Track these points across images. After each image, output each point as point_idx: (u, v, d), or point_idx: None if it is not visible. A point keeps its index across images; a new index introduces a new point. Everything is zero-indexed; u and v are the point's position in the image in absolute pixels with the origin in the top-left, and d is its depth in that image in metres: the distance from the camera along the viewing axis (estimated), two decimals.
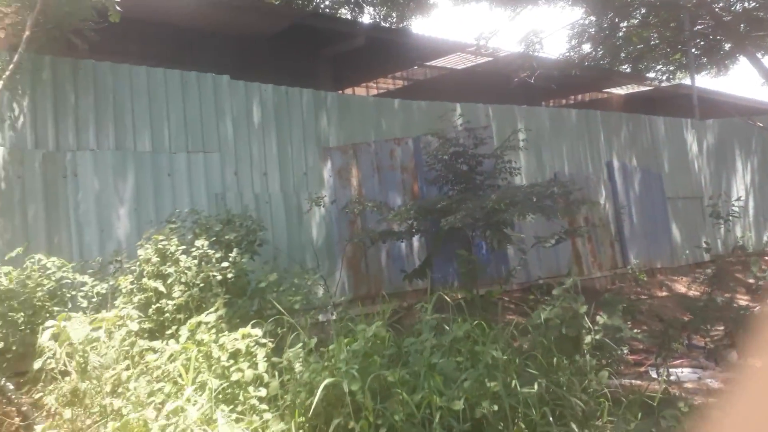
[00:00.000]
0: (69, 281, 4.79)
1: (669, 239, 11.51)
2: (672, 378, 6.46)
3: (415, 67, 14.87)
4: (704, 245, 10.20)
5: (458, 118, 8.80)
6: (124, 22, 5.78)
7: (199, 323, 3.43)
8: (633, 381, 5.76)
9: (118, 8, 5.45)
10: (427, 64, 14.48)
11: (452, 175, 6.98)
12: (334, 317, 5.27)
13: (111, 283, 4.74)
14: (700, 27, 14.90)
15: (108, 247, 5.65)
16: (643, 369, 6.73)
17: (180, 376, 3.04)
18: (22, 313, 4.34)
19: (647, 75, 18.11)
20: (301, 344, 3.44)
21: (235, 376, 2.99)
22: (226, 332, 3.53)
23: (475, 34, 12.72)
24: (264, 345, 3.44)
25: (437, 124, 8.57)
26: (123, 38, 10.17)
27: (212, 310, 3.81)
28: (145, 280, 4.41)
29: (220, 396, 2.99)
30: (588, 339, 3.87)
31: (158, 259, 4.49)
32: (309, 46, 11.77)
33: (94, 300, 4.72)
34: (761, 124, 11.66)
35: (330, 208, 7.30)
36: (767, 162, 12.99)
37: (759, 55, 15.82)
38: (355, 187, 7.67)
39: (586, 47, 15.42)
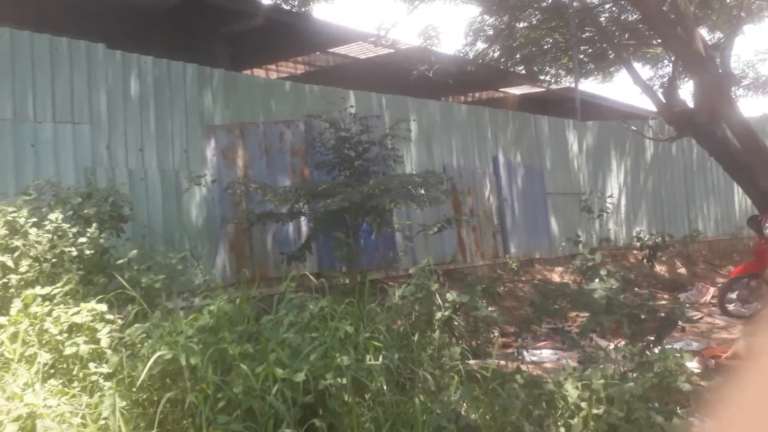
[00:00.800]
0: None
1: (548, 232, 12.25)
2: (534, 358, 6.93)
3: (318, 54, 14.81)
4: (576, 238, 10.98)
5: (351, 106, 8.89)
6: None
7: (35, 297, 3.26)
8: (497, 360, 6.14)
9: None
10: (330, 51, 14.46)
11: (338, 160, 7.04)
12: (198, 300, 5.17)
13: None
14: (587, 34, 15.93)
15: None
16: (509, 350, 7.15)
17: (6, 351, 2.89)
18: None
19: (539, 77, 19.11)
20: (149, 322, 3.36)
21: (68, 351, 2.88)
22: (71, 307, 3.38)
23: (377, 24, 12.82)
24: (111, 321, 3.33)
25: (329, 110, 8.63)
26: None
27: (59, 285, 3.63)
28: None
29: (53, 372, 2.87)
30: (438, 315, 4.07)
31: (6, 232, 4.20)
32: (206, 23, 11.41)
33: None
34: (635, 128, 12.65)
35: (212, 188, 7.14)
36: (639, 163, 14.12)
37: (638, 65, 17.15)
38: (241, 168, 7.55)
39: (483, 45, 16.04)
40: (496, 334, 6.70)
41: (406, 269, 9.49)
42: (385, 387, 3.26)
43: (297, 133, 7.99)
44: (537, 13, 16.33)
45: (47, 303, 3.34)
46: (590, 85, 42.85)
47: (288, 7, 13.71)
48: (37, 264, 4.16)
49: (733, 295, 8.68)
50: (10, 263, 4.12)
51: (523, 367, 5.24)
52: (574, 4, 13.94)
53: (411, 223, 8.79)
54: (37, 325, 3.01)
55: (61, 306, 3.30)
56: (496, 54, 18.53)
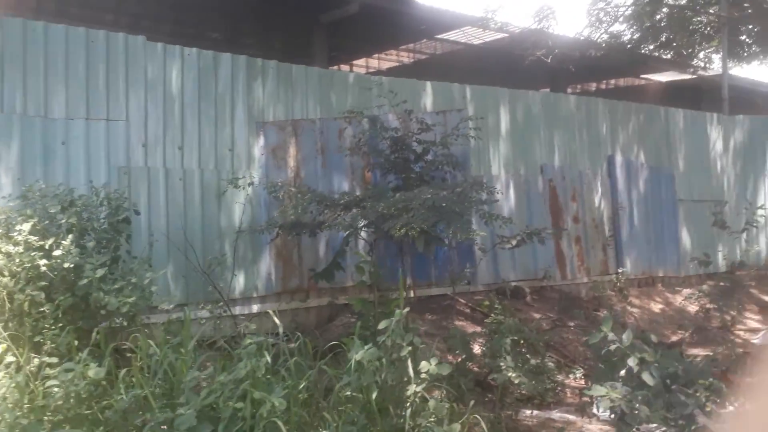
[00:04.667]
0: None
1: (676, 246, 10.30)
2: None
3: (425, 42, 13.85)
4: (704, 257, 9.04)
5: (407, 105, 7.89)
6: None
7: None
8: None
9: None
10: (437, 38, 13.43)
11: (389, 164, 6.14)
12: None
13: None
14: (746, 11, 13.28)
15: None
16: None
17: None
18: None
19: (688, 62, 16.44)
20: None
21: None
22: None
23: (482, 6, 11.57)
24: None
25: (397, 103, 7.72)
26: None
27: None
28: None
29: None
30: (410, 390, 3.02)
31: None
32: (303, 11, 10.95)
33: None
34: None
35: (259, 190, 6.58)
36: None
37: None
38: (293, 169, 6.91)
39: (613, 26, 14.03)
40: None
41: (486, 284, 8.37)
42: None
43: (360, 130, 7.17)
44: None
45: None
46: (754, 70, 36.94)
47: None
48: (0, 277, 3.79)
49: None
50: None
51: None
52: None
53: (484, 234, 7.63)
54: None
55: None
56: (634, 36, 16.26)
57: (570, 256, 9.14)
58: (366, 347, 3.01)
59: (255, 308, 6.61)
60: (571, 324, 7.96)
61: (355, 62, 14.85)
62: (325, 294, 6.99)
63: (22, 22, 5.56)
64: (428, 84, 8.01)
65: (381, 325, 3.24)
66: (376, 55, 14.67)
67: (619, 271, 9.13)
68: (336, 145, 7.15)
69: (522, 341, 4.08)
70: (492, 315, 7.10)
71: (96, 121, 5.82)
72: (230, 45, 12.19)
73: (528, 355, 4.48)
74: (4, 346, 3.01)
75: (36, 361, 3.18)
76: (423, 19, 11.19)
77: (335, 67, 13.83)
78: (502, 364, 3.93)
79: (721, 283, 9.54)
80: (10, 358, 3.06)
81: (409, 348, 3.13)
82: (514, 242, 7.32)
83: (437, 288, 7.92)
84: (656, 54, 16.79)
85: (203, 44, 12.43)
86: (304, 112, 7.00)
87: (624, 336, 3.54)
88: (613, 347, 3.50)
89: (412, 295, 7.63)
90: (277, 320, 4.02)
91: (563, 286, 9.00)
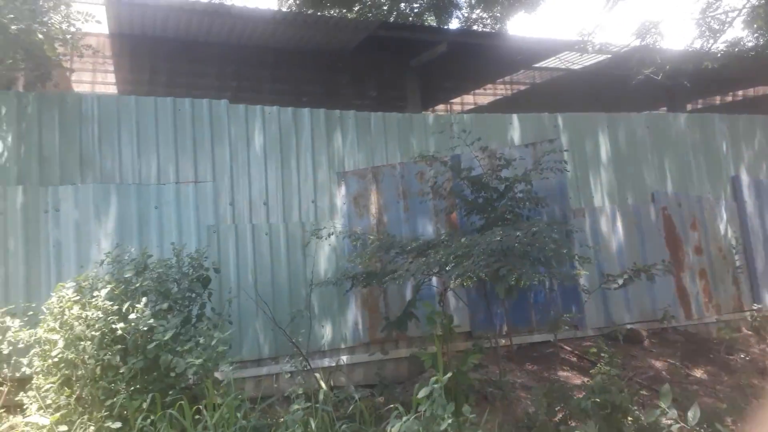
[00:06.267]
0: None
1: None
2: None
3: (521, 73, 13.42)
4: None
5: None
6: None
7: None
8: None
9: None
10: (534, 67, 12.98)
11: (468, 204, 5.84)
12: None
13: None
14: None
15: None
16: None
17: None
18: None
19: None
20: None
21: None
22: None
23: (578, 30, 10.99)
24: None
25: (486, 140, 7.42)
26: (201, 62, 10.41)
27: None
28: (42, 332, 4.10)
29: None
30: None
31: (60, 308, 4.15)
32: (395, 56, 11.10)
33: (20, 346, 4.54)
34: None
35: (343, 240, 6.55)
36: None
37: None
38: (374, 215, 6.83)
39: (732, 32, 12.68)
40: None
41: (597, 328, 7.64)
42: None
43: (442, 172, 6.97)
44: None
45: None
46: None
47: (478, 28, 12.71)
48: (79, 342, 3.99)
49: None
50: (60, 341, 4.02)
51: None
52: None
53: (587, 273, 7.01)
54: None
55: None
56: (760, 41, 14.62)
57: (694, 293, 8.14)
58: (404, 419, 2.72)
59: (344, 359, 6.51)
60: (698, 372, 7.01)
61: (452, 101, 14.74)
62: (416, 344, 6.72)
63: (115, 98, 6.06)
64: (514, 117, 7.66)
65: (420, 393, 2.92)
66: (474, 92, 14.46)
67: (755, 307, 7.95)
68: (418, 188, 6.98)
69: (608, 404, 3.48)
70: (599, 364, 6.45)
71: (185, 184, 6.14)
72: (329, 97, 12.63)
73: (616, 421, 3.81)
74: (56, 416, 3.11)
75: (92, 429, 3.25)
76: (517, 50, 10.84)
77: (431, 109, 13.82)
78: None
79: None
80: (62, 428, 3.15)
81: (449, 421, 2.78)
82: (620, 281, 6.66)
83: (539, 335, 7.36)
84: None
85: (302, 100, 13.08)
86: (384, 159, 6.93)
87: (690, 414, 2.87)
88: (675, 428, 2.82)
89: (509, 342, 7.17)
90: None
91: (689, 327, 8.02)
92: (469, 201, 5.84)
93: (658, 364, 7.04)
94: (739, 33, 13.62)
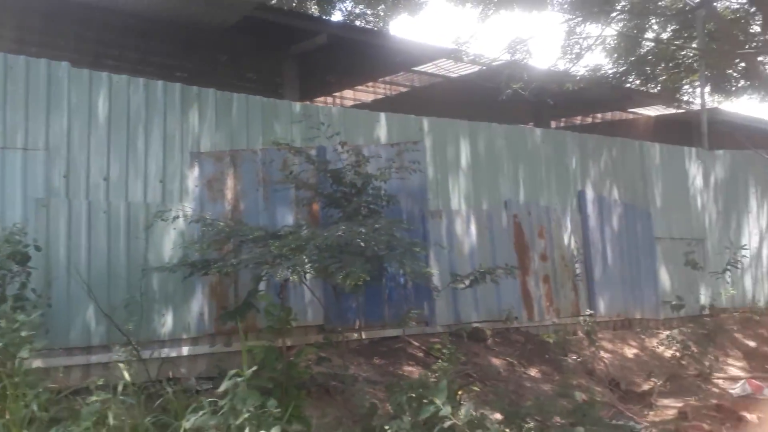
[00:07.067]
0: None
1: (654, 287, 9.81)
2: None
3: (401, 75, 13.64)
4: (678, 300, 8.59)
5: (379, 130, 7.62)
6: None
7: None
8: None
9: None
10: (413, 70, 13.23)
11: (327, 198, 5.78)
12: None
13: None
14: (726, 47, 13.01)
15: None
16: None
17: None
18: None
19: (676, 96, 16.14)
20: None
21: None
22: None
23: (454, 38, 11.36)
24: None
25: (354, 136, 7.42)
26: (58, 20, 9.50)
27: None
28: None
29: None
30: None
31: None
32: (275, 42, 10.77)
33: None
34: None
35: (188, 225, 6.20)
36: None
37: None
38: (230, 202, 6.56)
39: (594, 59, 13.80)
40: None
41: (446, 325, 7.90)
42: None
43: (299, 162, 6.83)
44: (664, 21, 13.79)
45: None
46: (752, 106, 36.63)
47: (361, 24, 12.76)
48: None
49: None
50: None
51: None
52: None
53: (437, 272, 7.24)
54: None
55: None
56: (619, 69, 16.04)
57: (538, 296, 8.68)
58: (200, 413, 2.58)
59: (185, 351, 6.19)
60: (533, 371, 7.47)
61: (336, 94, 14.67)
62: (266, 336, 6.54)
63: None
64: (382, 115, 7.72)
65: (221, 387, 2.81)
66: (356, 88, 14.47)
67: (588, 312, 8.63)
68: (280, 176, 6.80)
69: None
70: (440, 360, 6.66)
71: (12, 150, 5.51)
72: (206, 76, 12.07)
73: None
74: None
75: None
76: (397, 51, 10.97)
77: (312, 100, 13.64)
78: (387, 427, 3.46)
79: (698, 329, 9.07)
80: None
81: (246, 415, 2.68)
82: (467, 281, 6.93)
83: (392, 330, 7.47)
84: (642, 88, 16.53)
85: (176, 75, 12.35)
86: (245, 143, 6.69)
87: (462, 411, 2.97)
88: (446, 425, 2.90)
89: (360, 336, 7.22)
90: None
91: (530, 328, 8.53)
92: (326, 194, 5.78)
93: (497, 361, 7.40)
94: (601, 60, 14.82)
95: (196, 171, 6.39)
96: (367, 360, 6.87)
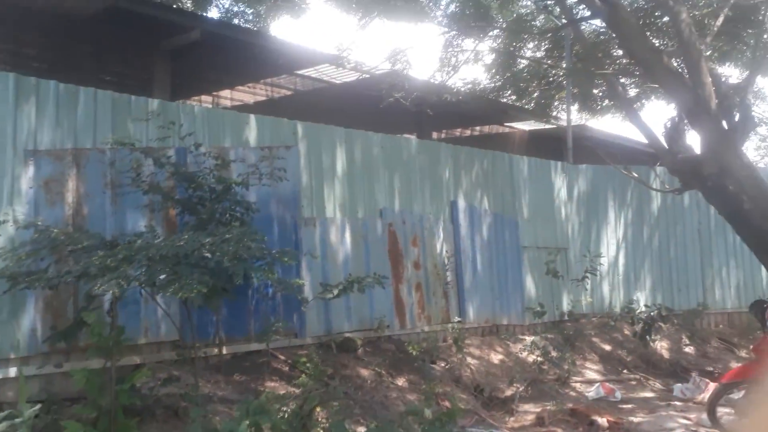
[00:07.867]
0: None
1: (521, 293, 10.21)
2: None
3: (283, 78, 13.30)
4: (539, 307, 8.98)
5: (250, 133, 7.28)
6: None
7: None
8: None
9: None
10: (296, 74, 12.94)
11: (181, 203, 5.37)
12: None
13: None
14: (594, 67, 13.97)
15: None
16: None
17: None
18: None
19: (547, 112, 17.11)
20: None
21: None
22: None
23: (336, 44, 11.21)
24: None
25: (220, 138, 7.02)
26: None
27: None
28: None
29: None
30: None
31: None
32: (143, 35, 10.03)
33: None
34: (636, 175, 10.53)
35: (16, 231, 5.51)
36: (643, 215, 11.97)
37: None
38: (71, 206, 5.93)
39: (471, 74, 14.28)
40: None
41: (317, 336, 7.68)
42: None
43: (146, 164, 6.30)
44: (537, 40, 14.56)
45: None
46: (615, 124, 40.09)
47: (240, 22, 12.31)
48: None
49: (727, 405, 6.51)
50: None
51: None
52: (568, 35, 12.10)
53: (305, 283, 7.03)
54: None
55: None
56: (496, 84, 16.75)
57: (410, 304, 8.71)
58: None
59: (12, 372, 5.48)
60: (401, 380, 7.44)
61: (215, 93, 14.03)
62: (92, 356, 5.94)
63: None
64: (252, 117, 7.39)
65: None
66: (236, 88, 13.92)
67: (456, 320, 8.78)
68: (131, 179, 6.25)
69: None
70: (304, 375, 6.44)
71: None
72: (67, 68, 11.06)
73: None
74: None
75: None
76: (277, 53, 10.64)
77: (184, 100, 12.95)
78: None
79: (558, 334, 9.53)
80: None
81: None
82: (335, 291, 6.77)
83: (257, 343, 7.11)
84: (517, 103, 17.35)
85: (33, 66, 11.21)
86: (92, 142, 6.09)
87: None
88: None
89: (224, 351, 6.82)
90: None
91: (402, 336, 8.52)
92: (180, 200, 5.35)
93: (365, 372, 7.29)
94: (479, 75, 15.37)
95: (31, 170, 5.70)
96: (227, 377, 6.49)
